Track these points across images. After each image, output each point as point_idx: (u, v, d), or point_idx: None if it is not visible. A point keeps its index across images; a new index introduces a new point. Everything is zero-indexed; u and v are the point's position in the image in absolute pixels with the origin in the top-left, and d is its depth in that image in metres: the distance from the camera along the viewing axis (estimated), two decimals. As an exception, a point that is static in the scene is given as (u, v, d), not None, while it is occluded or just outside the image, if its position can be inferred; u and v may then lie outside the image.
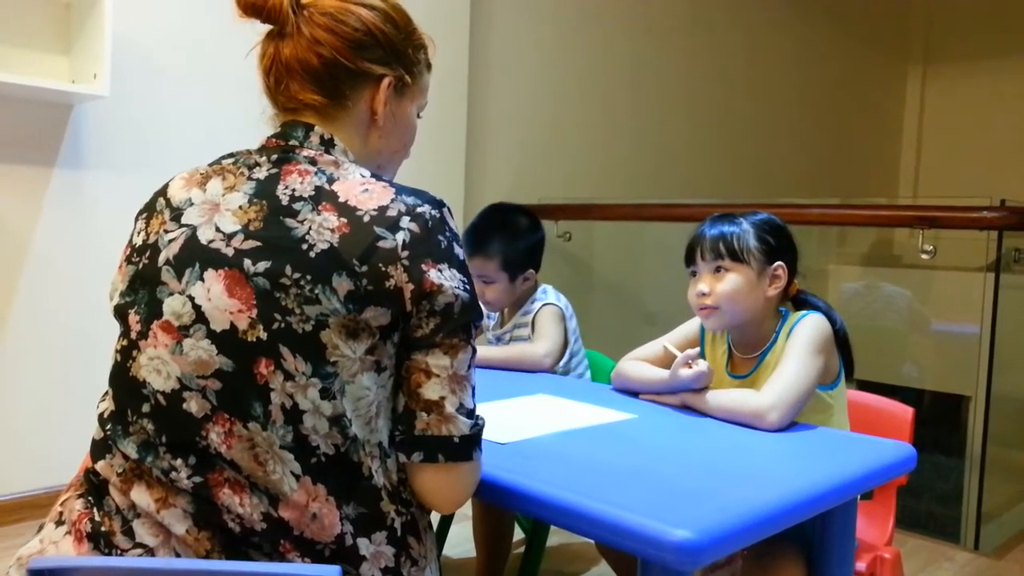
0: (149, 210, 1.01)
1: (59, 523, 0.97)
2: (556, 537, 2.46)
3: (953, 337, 3.47)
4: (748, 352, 1.56)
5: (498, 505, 1.72)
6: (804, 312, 1.51)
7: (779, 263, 1.51)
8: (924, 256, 2.82)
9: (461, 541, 2.43)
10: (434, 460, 0.94)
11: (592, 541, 2.09)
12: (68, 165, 2.56)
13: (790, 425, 1.37)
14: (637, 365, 1.62)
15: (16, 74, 2.34)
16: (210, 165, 1.03)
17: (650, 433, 1.34)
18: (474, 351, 0.97)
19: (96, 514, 0.94)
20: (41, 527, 0.99)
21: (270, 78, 1.04)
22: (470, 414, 0.96)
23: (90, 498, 0.96)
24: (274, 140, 1.02)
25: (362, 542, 0.91)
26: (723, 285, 1.49)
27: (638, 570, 1.01)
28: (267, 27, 1.04)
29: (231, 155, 1.03)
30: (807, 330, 1.45)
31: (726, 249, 1.49)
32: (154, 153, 2.71)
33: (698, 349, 1.48)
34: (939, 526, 2.82)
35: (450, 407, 0.94)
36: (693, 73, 4.69)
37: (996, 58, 6.02)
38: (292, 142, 1.01)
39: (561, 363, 1.99)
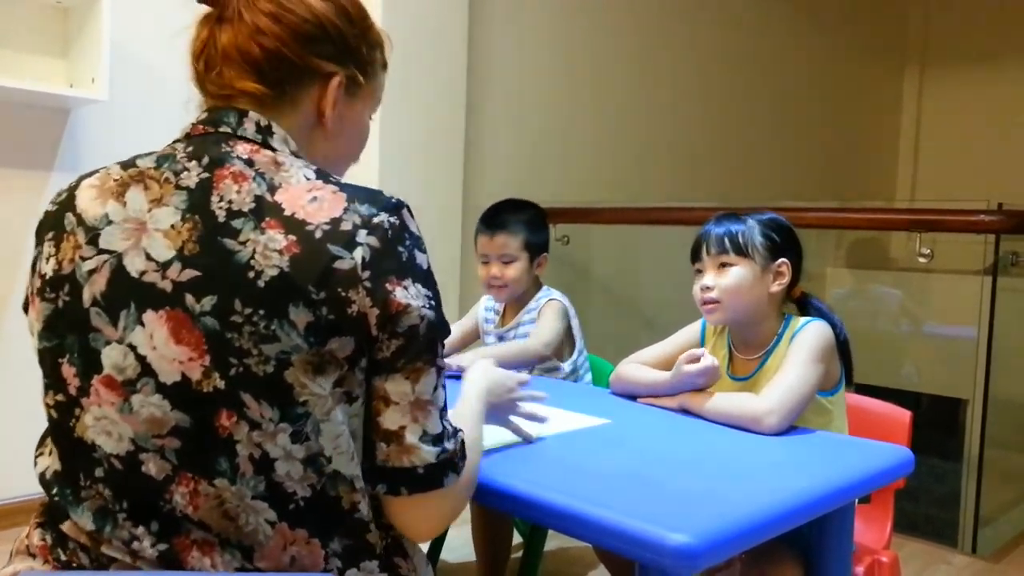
0: (56, 228, 0.87)
1: (29, 555, 0.89)
2: (554, 541, 2.46)
3: (950, 340, 3.47)
4: (749, 353, 1.56)
5: (495, 509, 1.72)
6: (808, 319, 1.51)
7: (783, 260, 1.53)
8: (921, 259, 2.83)
9: (459, 545, 2.43)
10: (397, 493, 0.87)
11: (590, 545, 2.08)
12: (66, 169, 2.56)
13: (788, 429, 1.37)
14: (637, 368, 1.62)
15: (13, 78, 2.34)
16: (124, 168, 0.89)
17: (647, 437, 1.34)
18: (439, 371, 0.88)
19: (62, 554, 0.87)
20: (10, 557, 0.92)
21: (199, 63, 0.93)
22: (437, 440, 0.87)
23: (51, 532, 0.88)
24: (201, 127, 0.91)
25: (351, 573, 0.85)
26: (726, 279, 1.51)
27: (635, 574, 1.01)
28: (197, 11, 0.95)
29: (149, 154, 0.90)
30: (810, 337, 1.46)
31: (731, 243, 1.51)
32: (152, 157, 2.71)
33: (703, 349, 1.48)
34: (937, 530, 2.82)
35: (411, 437, 0.85)
36: (690, 77, 4.69)
37: (993, 62, 6.03)
38: (223, 128, 0.89)
39: (568, 362, 2.00)
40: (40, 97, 2.40)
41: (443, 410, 0.89)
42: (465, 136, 3.55)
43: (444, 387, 0.89)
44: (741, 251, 1.51)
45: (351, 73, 0.96)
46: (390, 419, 0.85)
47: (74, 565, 0.85)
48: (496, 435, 1.26)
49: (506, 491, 1.06)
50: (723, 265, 1.52)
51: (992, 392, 2.72)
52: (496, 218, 2.03)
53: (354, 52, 0.97)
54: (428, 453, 0.86)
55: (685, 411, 1.48)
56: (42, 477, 0.89)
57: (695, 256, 1.57)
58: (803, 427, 1.41)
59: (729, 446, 1.29)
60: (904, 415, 1.66)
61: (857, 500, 1.30)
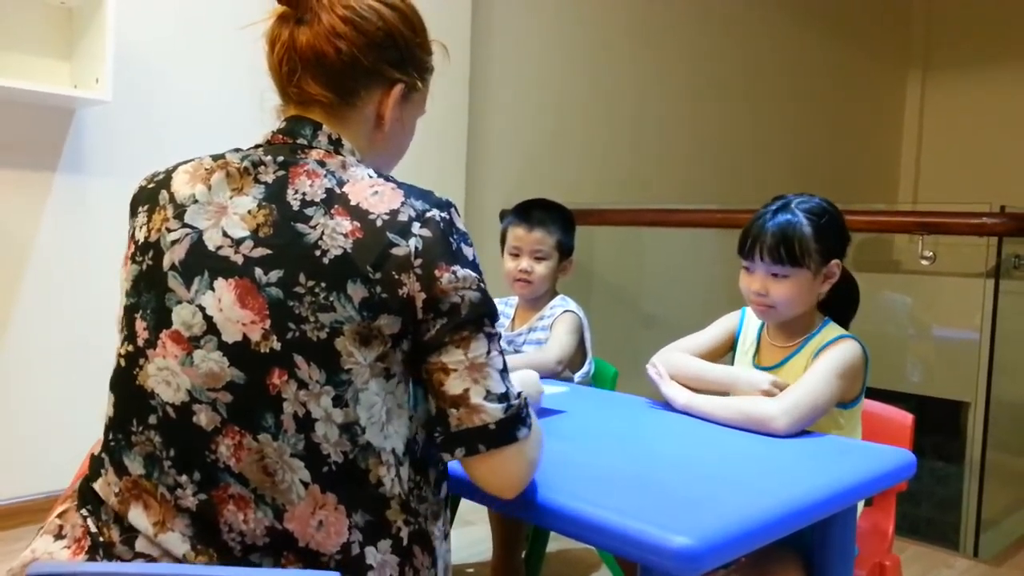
0: (151, 202, 0.98)
1: (59, 536, 0.95)
2: (556, 543, 2.46)
3: (953, 343, 3.47)
4: (781, 341, 1.57)
5: (499, 511, 1.72)
6: (842, 333, 1.51)
7: (835, 261, 1.52)
8: (924, 262, 2.83)
9: (460, 548, 2.43)
10: (475, 452, 0.93)
11: (592, 547, 2.08)
12: (70, 170, 2.56)
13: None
14: (684, 357, 1.60)
15: (18, 79, 2.34)
16: (214, 159, 0.99)
17: (650, 439, 1.35)
18: (490, 338, 0.94)
19: (93, 524, 0.93)
20: (35, 538, 0.98)
21: (283, 67, 0.99)
22: (501, 397, 0.93)
23: (88, 507, 0.95)
24: (280, 137, 0.99)
25: (369, 551, 0.90)
26: (782, 289, 1.48)
27: (638, 576, 1.01)
28: (273, 9, 1.00)
29: (236, 150, 0.99)
30: (838, 352, 1.46)
31: (787, 254, 1.46)
32: (156, 158, 2.69)
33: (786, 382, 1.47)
34: (939, 533, 2.82)
35: (476, 397, 0.92)
36: (693, 78, 4.70)
37: (996, 64, 6.03)
38: (300, 140, 0.98)
39: (580, 373, 1.99)
40: (44, 98, 2.40)
41: (502, 371, 0.95)
42: (468, 139, 3.56)
43: (500, 352, 0.96)
44: (797, 262, 1.47)
45: (411, 80, 1.05)
46: (453, 385, 0.92)
47: (103, 540, 0.91)
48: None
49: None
50: (776, 274, 1.48)
51: (994, 395, 2.72)
52: (535, 213, 2.03)
53: (414, 60, 1.05)
54: (496, 410, 0.93)
55: (688, 413, 1.48)
56: (105, 425, 0.97)
57: (747, 253, 1.52)
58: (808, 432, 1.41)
59: (732, 448, 1.29)
60: (906, 418, 1.66)
61: (859, 503, 1.30)
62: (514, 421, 0.94)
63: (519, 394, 0.97)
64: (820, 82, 5.63)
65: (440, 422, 0.93)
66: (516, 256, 2.03)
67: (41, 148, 2.51)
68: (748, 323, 1.66)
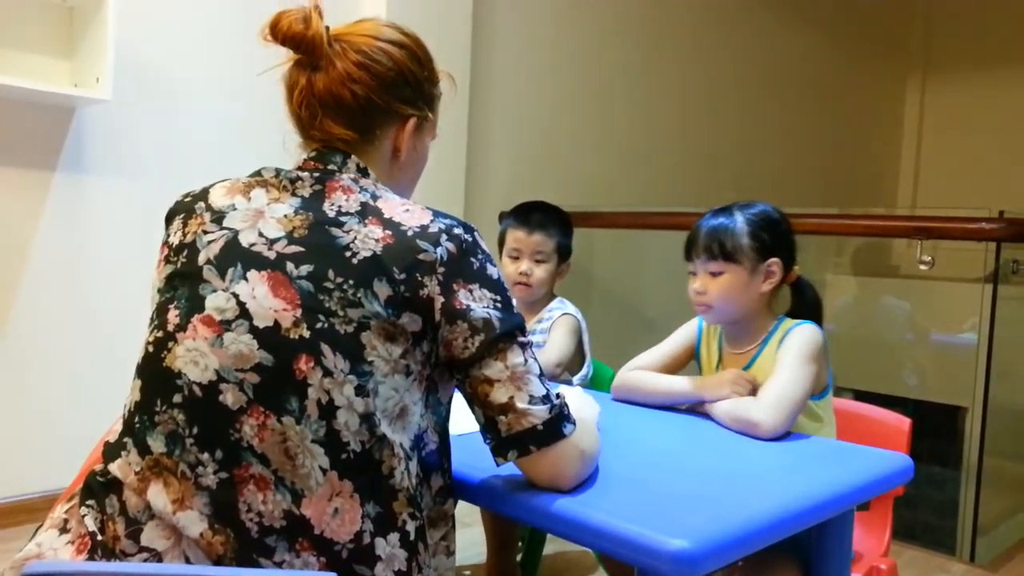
0: (187, 212, 1.03)
1: (63, 531, 0.96)
2: (552, 545, 2.46)
3: (951, 348, 3.47)
4: (739, 347, 1.57)
5: (495, 512, 1.72)
6: (798, 322, 1.52)
7: (773, 260, 1.52)
8: (922, 267, 2.83)
9: (460, 548, 2.43)
10: (528, 452, 0.99)
11: (588, 549, 2.08)
12: (69, 169, 2.57)
13: (787, 435, 1.37)
14: (648, 375, 1.59)
15: (18, 77, 2.34)
16: (250, 176, 1.05)
17: (647, 441, 1.35)
18: (523, 347, 1.00)
19: (95, 520, 0.93)
20: (36, 531, 0.99)
21: (303, 111, 1.06)
22: (544, 399, 0.99)
23: (91, 502, 0.95)
24: (312, 163, 1.05)
25: (379, 542, 0.92)
26: (716, 285, 1.51)
27: (635, 579, 1.01)
28: (284, 51, 1.05)
29: (270, 168, 1.05)
30: (799, 339, 1.46)
31: (719, 250, 1.51)
32: (155, 157, 2.71)
33: (754, 376, 1.48)
34: (935, 537, 2.82)
35: (521, 403, 0.98)
36: (692, 82, 4.70)
37: (996, 69, 6.03)
38: (331, 167, 1.04)
39: (578, 376, 1.99)
40: (45, 96, 2.41)
41: (540, 376, 1.01)
42: (467, 142, 3.56)
43: (535, 358, 1.02)
44: (729, 257, 1.50)
45: (424, 113, 1.12)
46: (498, 394, 0.98)
47: (104, 536, 0.92)
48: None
49: (505, 495, 1.07)
50: (713, 272, 1.52)
51: (992, 400, 2.72)
52: (535, 216, 2.04)
53: (424, 94, 1.12)
54: (541, 411, 0.99)
55: (700, 413, 1.49)
56: (127, 410, 1.00)
57: (687, 255, 1.57)
58: (799, 433, 1.41)
59: (729, 451, 1.29)
60: (904, 422, 1.66)
61: (856, 507, 1.30)
62: (559, 419, 1.00)
63: (558, 394, 1.02)
64: (819, 85, 5.63)
65: (490, 429, 0.99)
66: (516, 259, 2.03)
67: (41, 147, 2.51)
68: (708, 333, 1.65)
